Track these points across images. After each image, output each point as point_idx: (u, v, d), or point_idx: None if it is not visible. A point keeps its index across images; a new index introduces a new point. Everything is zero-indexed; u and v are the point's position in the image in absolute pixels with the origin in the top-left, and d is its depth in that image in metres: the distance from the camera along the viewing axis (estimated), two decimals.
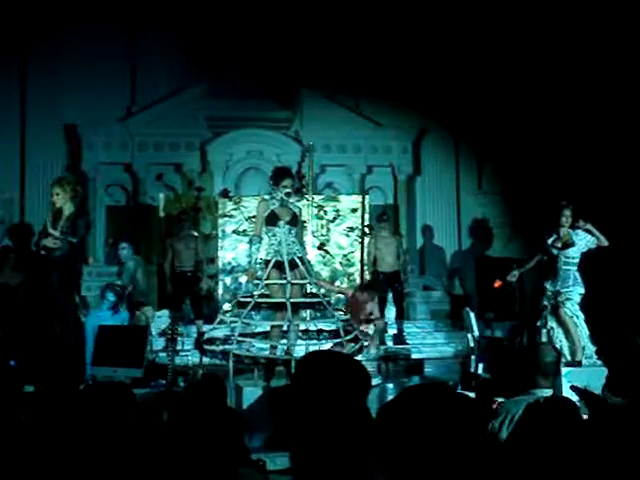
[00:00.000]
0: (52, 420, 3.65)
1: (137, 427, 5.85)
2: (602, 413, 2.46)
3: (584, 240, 9.85)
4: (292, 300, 8.83)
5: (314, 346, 8.90)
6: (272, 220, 9.10)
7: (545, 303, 10.02)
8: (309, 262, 9.90)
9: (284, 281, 8.90)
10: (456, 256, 15.56)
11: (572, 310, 9.83)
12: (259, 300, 8.93)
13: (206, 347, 8.96)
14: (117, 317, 10.46)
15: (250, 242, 9.36)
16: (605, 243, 9.79)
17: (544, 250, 10.10)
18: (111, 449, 3.78)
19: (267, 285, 8.99)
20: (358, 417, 2.64)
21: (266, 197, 9.34)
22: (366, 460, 2.56)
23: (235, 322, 8.98)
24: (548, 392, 4.82)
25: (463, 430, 2.10)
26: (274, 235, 9.08)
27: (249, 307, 8.71)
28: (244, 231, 13.72)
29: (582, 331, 9.78)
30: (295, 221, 9.19)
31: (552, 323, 9.91)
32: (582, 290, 9.91)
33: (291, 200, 9.15)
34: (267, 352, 8.98)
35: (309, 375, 2.83)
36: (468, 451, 2.08)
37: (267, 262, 9.04)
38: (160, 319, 11.02)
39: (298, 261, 9.01)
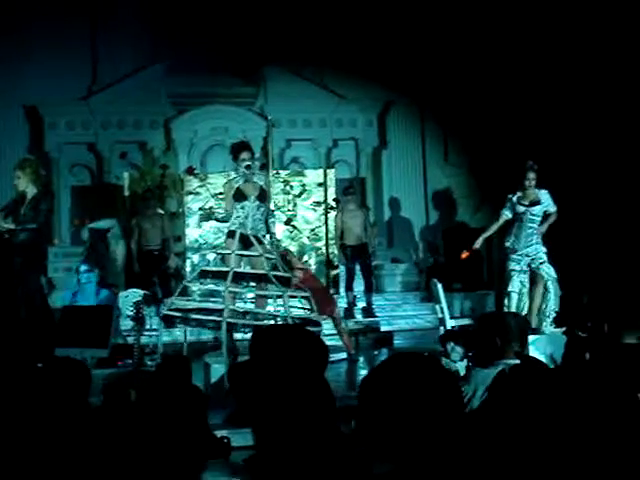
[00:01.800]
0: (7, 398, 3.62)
1: (105, 406, 5.84)
2: (542, 379, 2.48)
3: (547, 201, 10.00)
4: (274, 273, 8.88)
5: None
6: (239, 198, 9.09)
7: (514, 267, 10.06)
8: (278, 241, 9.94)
9: (256, 253, 8.91)
10: (424, 228, 15.59)
11: (549, 273, 9.90)
12: (238, 270, 8.94)
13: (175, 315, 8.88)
14: (101, 297, 10.51)
15: (220, 220, 9.39)
16: (554, 218, 10.01)
17: (509, 209, 10.14)
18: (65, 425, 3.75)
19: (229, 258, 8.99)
20: (317, 389, 2.62)
21: (231, 175, 9.33)
22: (327, 433, 2.55)
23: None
24: (517, 361, 4.82)
25: (443, 396, 2.11)
26: (242, 208, 9.07)
27: (229, 277, 8.69)
28: (210, 208, 13.65)
29: (552, 297, 9.83)
30: (263, 197, 9.19)
31: (523, 288, 9.96)
32: (544, 250, 10.01)
33: (253, 172, 9.12)
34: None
35: (265, 349, 2.82)
36: (447, 416, 2.09)
37: (231, 233, 9.02)
38: (127, 299, 10.96)
39: (261, 238, 9.03)
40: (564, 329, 7.88)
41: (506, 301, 10.07)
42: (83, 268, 11.11)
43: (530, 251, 9.91)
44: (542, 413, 2.38)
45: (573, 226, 11.72)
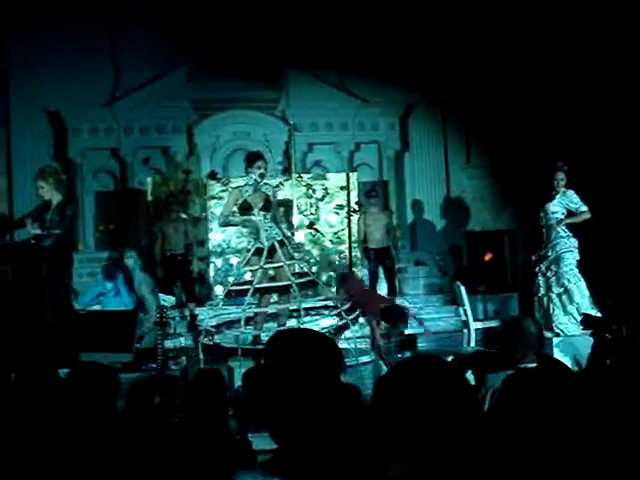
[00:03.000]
0: (28, 404, 3.65)
1: (129, 411, 5.86)
2: (563, 381, 2.47)
3: (568, 200, 9.91)
4: (278, 284, 9.03)
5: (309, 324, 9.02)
6: (245, 210, 9.23)
7: (537, 270, 10.06)
8: (296, 243, 10.04)
9: (269, 265, 9.07)
10: (447, 230, 15.54)
11: (551, 286, 9.85)
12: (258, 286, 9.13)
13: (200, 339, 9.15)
14: (120, 300, 10.59)
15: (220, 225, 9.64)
16: (584, 217, 9.90)
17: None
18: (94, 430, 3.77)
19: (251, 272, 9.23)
20: (332, 394, 2.62)
21: (240, 183, 9.46)
22: (343, 438, 2.56)
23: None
24: (533, 365, 4.80)
25: (456, 399, 2.11)
26: (249, 222, 9.24)
27: (223, 293, 8.94)
28: (233, 213, 13.69)
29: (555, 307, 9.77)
30: (268, 205, 9.32)
31: (550, 292, 9.92)
32: (575, 243, 9.90)
33: (263, 181, 9.28)
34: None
35: (279, 354, 2.82)
36: (461, 419, 2.09)
37: (249, 250, 9.23)
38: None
39: (277, 245, 9.15)
40: (591, 331, 7.83)
41: (537, 306, 10.10)
42: (109, 286, 11.13)
43: (554, 252, 9.87)
44: (553, 416, 2.38)
45: (600, 227, 11.66)
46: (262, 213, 9.11)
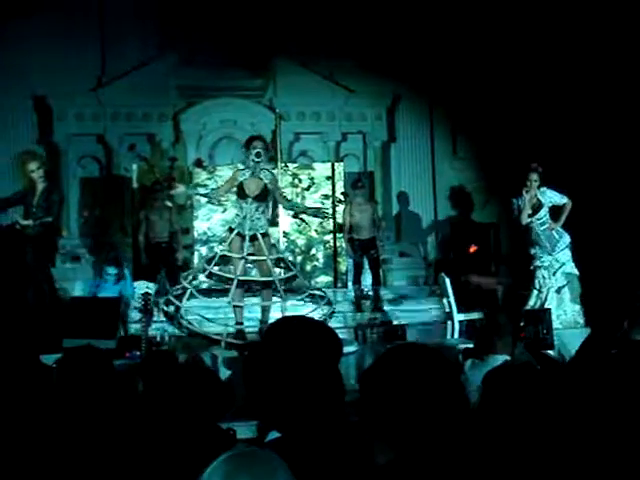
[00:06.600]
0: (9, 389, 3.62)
1: (112, 398, 5.81)
2: (551, 373, 2.47)
3: (549, 198, 10.12)
4: (261, 279, 9.03)
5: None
6: (240, 194, 9.13)
7: (536, 263, 10.17)
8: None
9: (240, 256, 9.06)
10: (432, 222, 15.55)
11: (563, 280, 10.00)
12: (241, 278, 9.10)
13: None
14: (124, 284, 10.65)
15: (206, 196, 9.60)
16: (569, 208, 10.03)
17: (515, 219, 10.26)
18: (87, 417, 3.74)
19: (227, 256, 9.17)
20: (330, 382, 2.62)
21: (240, 166, 9.35)
22: (338, 425, 2.55)
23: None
24: (502, 358, 4.78)
25: (444, 387, 2.10)
26: (241, 208, 9.15)
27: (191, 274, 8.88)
28: (219, 201, 13.64)
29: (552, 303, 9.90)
30: (264, 195, 9.20)
31: (550, 284, 10.05)
32: (568, 239, 10.10)
33: (261, 165, 9.13)
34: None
35: (279, 341, 2.81)
36: (449, 406, 2.09)
37: (231, 230, 9.15)
38: (135, 290, 11.00)
39: (260, 237, 9.08)
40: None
41: (535, 300, 10.21)
42: (113, 271, 11.08)
43: (557, 255, 10.06)
44: (533, 409, 2.38)
45: (594, 220, 11.75)
46: (256, 203, 9.04)
